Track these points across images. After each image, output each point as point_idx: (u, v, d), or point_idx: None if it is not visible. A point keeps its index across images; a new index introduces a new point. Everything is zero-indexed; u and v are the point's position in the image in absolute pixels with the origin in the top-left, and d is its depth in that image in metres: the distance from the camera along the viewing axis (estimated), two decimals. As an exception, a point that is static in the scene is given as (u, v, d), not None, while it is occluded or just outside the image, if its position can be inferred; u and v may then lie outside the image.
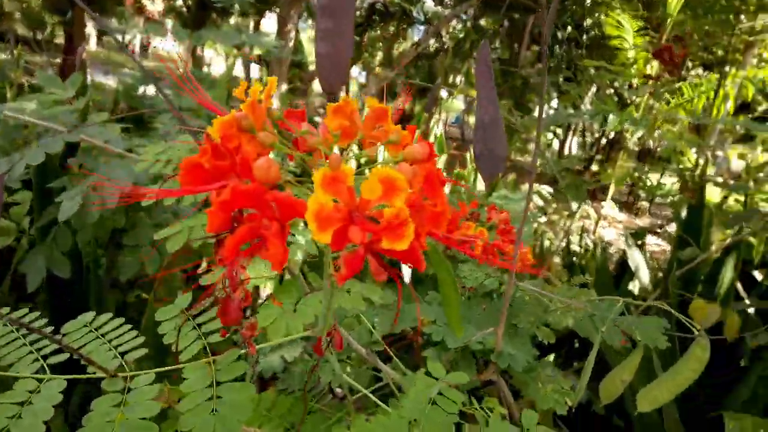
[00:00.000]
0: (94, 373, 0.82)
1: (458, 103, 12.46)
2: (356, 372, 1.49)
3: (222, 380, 0.81)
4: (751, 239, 3.25)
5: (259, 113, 0.61)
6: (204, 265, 1.48)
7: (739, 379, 2.63)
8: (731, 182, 2.76)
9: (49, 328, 0.89)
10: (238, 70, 8.27)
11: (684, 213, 3.12)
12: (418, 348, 1.53)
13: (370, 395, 1.10)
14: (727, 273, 2.69)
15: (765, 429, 1.67)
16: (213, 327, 0.88)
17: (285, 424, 1.27)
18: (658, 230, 8.57)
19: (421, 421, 0.88)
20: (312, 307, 0.98)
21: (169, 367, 0.85)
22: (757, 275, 3.49)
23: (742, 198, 3.57)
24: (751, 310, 2.82)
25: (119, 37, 3.40)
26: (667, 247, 8.25)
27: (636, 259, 3.41)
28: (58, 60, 10.52)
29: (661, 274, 4.12)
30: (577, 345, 2.79)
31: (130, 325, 0.89)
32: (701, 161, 4.56)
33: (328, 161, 0.53)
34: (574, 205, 5.15)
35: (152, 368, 0.83)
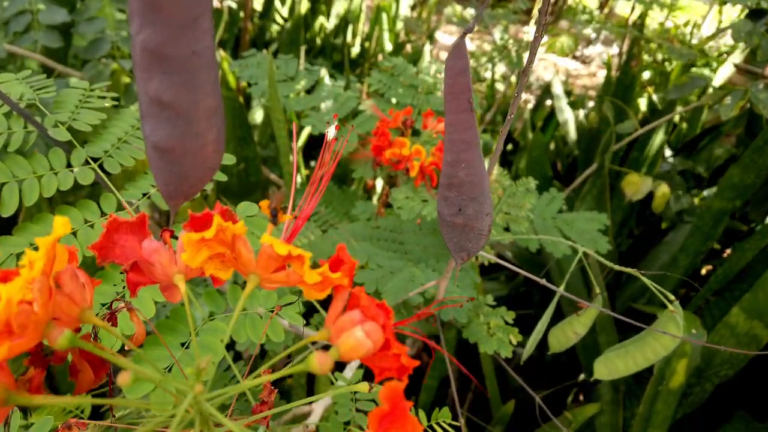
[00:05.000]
0: None
1: None
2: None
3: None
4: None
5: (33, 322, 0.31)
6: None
7: (653, 244, 2.68)
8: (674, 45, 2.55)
9: None
10: None
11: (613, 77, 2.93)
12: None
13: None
14: (658, 137, 2.60)
15: (695, 326, 1.67)
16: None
17: None
18: (577, 54, 8.45)
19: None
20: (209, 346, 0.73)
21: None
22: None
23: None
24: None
25: None
26: (585, 71, 8.21)
27: (565, 114, 3.26)
28: None
29: (583, 114, 4.04)
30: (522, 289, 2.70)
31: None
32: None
33: None
34: (497, 34, 4.84)
35: None
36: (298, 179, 2.35)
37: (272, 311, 0.77)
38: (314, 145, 3.51)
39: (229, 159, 0.87)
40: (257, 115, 3.20)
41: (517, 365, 2.48)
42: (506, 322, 1.37)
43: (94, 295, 0.66)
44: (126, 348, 0.47)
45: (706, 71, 3.82)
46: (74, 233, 0.74)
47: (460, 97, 0.47)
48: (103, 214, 0.78)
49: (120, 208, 0.81)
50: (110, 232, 0.39)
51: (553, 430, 1.73)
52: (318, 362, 0.34)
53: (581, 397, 2.49)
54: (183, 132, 0.38)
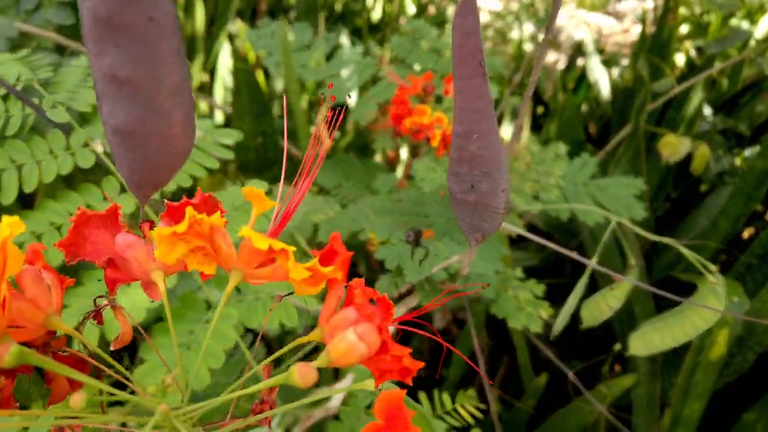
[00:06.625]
0: None
1: None
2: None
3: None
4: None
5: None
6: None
7: (691, 208, 2.56)
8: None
9: None
10: None
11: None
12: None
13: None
14: (696, 95, 2.46)
15: (737, 293, 1.59)
16: None
17: None
18: (609, 10, 8.11)
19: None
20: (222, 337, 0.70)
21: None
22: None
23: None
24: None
25: None
26: (618, 28, 7.89)
27: (597, 73, 3.12)
28: None
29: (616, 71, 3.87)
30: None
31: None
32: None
33: None
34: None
35: None
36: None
37: (282, 294, 0.73)
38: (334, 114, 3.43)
39: (235, 135, 0.83)
40: (279, 85, 3.15)
41: (549, 336, 2.43)
42: (536, 296, 1.32)
43: (85, 289, 0.63)
44: (114, 344, 0.44)
45: (745, 23, 3.60)
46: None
47: (470, 61, 0.41)
48: (105, 197, 0.75)
49: (124, 190, 0.77)
50: (79, 227, 0.35)
51: (587, 404, 1.68)
52: (299, 375, 0.29)
53: (617, 368, 2.43)
54: (144, 113, 0.33)
